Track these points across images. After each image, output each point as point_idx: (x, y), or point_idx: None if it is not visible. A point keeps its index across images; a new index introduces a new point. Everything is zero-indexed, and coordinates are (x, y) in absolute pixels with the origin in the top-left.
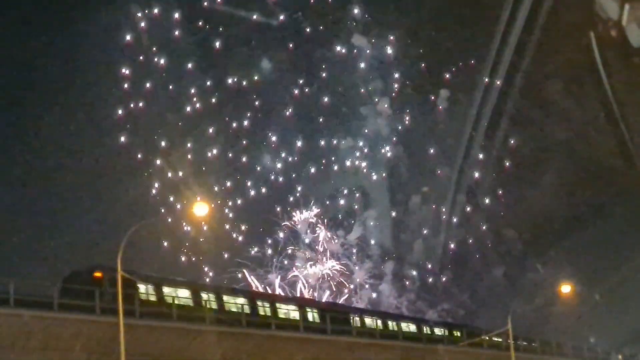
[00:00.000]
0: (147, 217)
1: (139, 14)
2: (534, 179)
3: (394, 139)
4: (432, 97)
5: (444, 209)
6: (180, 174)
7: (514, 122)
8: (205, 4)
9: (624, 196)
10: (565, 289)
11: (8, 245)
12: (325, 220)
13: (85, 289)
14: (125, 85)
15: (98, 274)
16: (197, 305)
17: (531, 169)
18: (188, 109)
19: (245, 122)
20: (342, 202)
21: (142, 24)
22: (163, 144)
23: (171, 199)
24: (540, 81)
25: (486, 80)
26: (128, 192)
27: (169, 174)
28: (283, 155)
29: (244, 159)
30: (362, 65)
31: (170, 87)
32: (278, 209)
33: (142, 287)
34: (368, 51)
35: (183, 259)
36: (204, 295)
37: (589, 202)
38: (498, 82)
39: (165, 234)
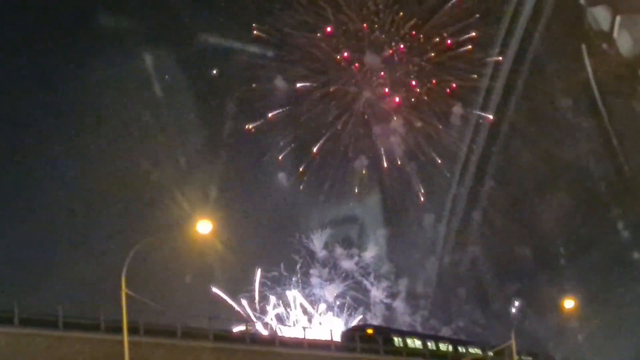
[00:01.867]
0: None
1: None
2: (533, 198)
3: (405, 153)
4: (439, 112)
5: (454, 227)
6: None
7: (511, 138)
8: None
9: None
10: (569, 304)
11: (11, 263)
12: (340, 239)
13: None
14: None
15: (370, 331)
16: (424, 348)
17: (528, 186)
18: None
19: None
20: (356, 220)
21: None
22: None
23: (180, 219)
24: (535, 96)
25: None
26: (137, 210)
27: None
28: (296, 174)
29: (258, 177)
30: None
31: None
32: (293, 230)
33: (395, 339)
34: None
35: (197, 277)
36: (428, 343)
37: (592, 219)
38: (493, 97)
39: (177, 252)
